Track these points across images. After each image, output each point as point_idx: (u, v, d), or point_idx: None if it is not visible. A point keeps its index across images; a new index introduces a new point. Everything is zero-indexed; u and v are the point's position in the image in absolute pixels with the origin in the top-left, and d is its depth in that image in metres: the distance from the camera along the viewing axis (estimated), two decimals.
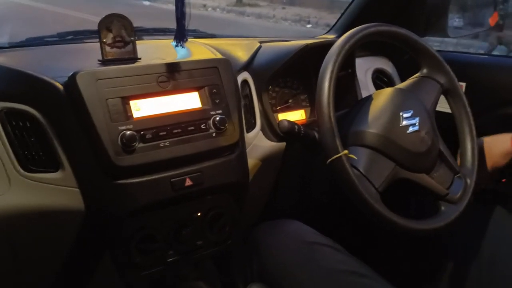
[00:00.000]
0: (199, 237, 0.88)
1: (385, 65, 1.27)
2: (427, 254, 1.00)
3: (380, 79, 1.28)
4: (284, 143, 1.03)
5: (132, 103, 0.78)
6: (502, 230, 0.93)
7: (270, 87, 1.09)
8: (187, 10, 0.82)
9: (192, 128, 0.82)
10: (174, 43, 0.82)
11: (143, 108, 0.79)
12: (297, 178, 1.09)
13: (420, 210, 0.91)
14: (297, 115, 1.15)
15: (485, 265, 0.90)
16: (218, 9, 11.22)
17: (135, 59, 0.88)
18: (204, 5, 11.55)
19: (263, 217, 1.10)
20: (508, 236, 0.92)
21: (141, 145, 0.76)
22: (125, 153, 0.75)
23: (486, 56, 1.32)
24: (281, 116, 1.11)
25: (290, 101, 1.14)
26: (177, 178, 0.80)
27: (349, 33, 0.87)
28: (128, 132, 0.75)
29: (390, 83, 1.26)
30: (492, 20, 1.35)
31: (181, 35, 0.79)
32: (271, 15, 10.07)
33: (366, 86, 1.21)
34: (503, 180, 1.06)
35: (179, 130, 0.80)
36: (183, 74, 0.83)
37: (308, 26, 8.73)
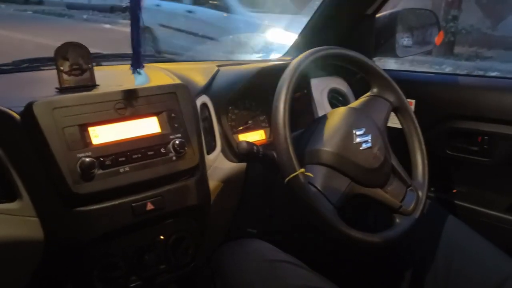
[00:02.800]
0: (162, 261, 0.88)
1: (340, 84, 1.32)
2: (386, 265, 1.03)
3: (336, 98, 1.33)
4: (245, 164, 1.05)
5: (91, 129, 0.79)
6: (454, 237, 0.97)
7: (229, 109, 1.12)
8: (144, 36, 0.84)
9: (152, 152, 0.83)
10: (126, 72, 0.84)
11: (102, 134, 0.79)
12: (260, 197, 1.11)
13: (377, 223, 0.95)
14: (257, 136, 1.17)
15: (440, 272, 0.94)
16: None
17: (92, 86, 0.89)
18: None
19: (227, 237, 1.11)
20: (460, 244, 0.96)
21: (100, 171, 0.77)
22: (84, 180, 0.75)
23: (432, 74, 1.39)
24: (242, 137, 1.14)
25: (250, 122, 1.17)
26: (138, 203, 0.81)
27: (301, 56, 0.90)
28: (87, 159, 0.75)
29: (345, 102, 1.31)
30: (438, 39, 1.42)
31: (137, 62, 0.81)
32: None
33: (322, 106, 1.25)
34: (454, 190, 1.11)
35: (139, 155, 0.81)
36: (141, 100, 0.85)
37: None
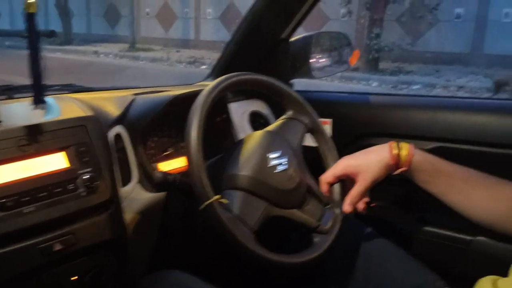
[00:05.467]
0: None
1: (260, 107, 1.34)
2: (309, 284, 1.05)
3: (257, 121, 1.34)
4: (163, 194, 1.04)
5: None
6: (372, 252, 1.00)
7: (148, 138, 1.11)
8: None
9: (59, 189, 0.80)
10: (32, 106, 0.81)
11: (3, 174, 0.76)
12: (180, 227, 1.09)
13: (297, 244, 0.96)
14: (178, 163, 1.16)
15: (359, 286, 0.96)
16: (110, 55, 11.05)
17: None
18: (96, 52, 11.34)
19: (150, 269, 1.08)
20: (377, 257, 0.99)
21: (1, 214, 0.73)
22: None
23: (346, 94, 1.45)
24: (162, 165, 1.12)
25: (170, 149, 1.16)
26: (45, 244, 0.77)
27: (214, 83, 0.91)
28: None
29: (267, 124, 1.33)
30: (352, 59, 1.48)
31: (38, 97, 0.78)
32: (165, 58, 10.13)
33: (243, 129, 1.26)
34: (373, 204, 1.15)
35: (45, 193, 0.78)
36: (47, 135, 0.82)
37: (203, 67, 8.91)
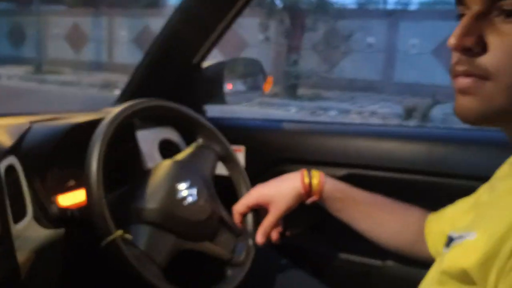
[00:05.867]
0: None
1: (171, 134, 1.29)
2: None
3: (168, 149, 1.29)
4: (62, 230, 0.95)
5: None
6: (285, 282, 0.99)
7: (47, 169, 1.01)
8: None
9: None
10: None
11: None
12: (84, 264, 1.01)
13: (209, 278, 0.92)
14: (80, 196, 1.07)
15: None
16: (15, 78, 10.36)
17: None
18: None
19: None
20: (290, 284, 0.98)
21: None
22: None
23: (260, 121, 1.45)
24: (62, 199, 1.03)
25: (71, 182, 1.07)
26: None
27: (117, 111, 0.86)
28: None
29: (178, 152, 1.28)
30: (266, 85, 1.48)
31: None
32: (76, 81, 9.73)
33: (152, 158, 1.20)
34: (287, 233, 1.14)
35: None
36: None
37: (117, 91, 8.67)
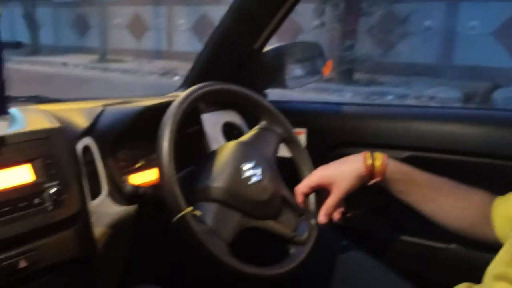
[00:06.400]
0: None
1: (234, 117, 1.33)
2: None
3: (231, 132, 1.33)
4: (135, 207, 1.01)
5: None
6: (349, 262, 1.00)
7: (118, 150, 1.07)
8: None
9: (24, 204, 0.76)
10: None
11: None
12: (154, 240, 1.07)
13: (272, 256, 0.94)
14: (149, 175, 1.13)
15: None
16: (80, 67, 10.86)
17: None
18: (64, 63, 11.14)
19: (123, 284, 1.04)
20: (353, 267, 0.99)
21: None
22: None
23: (321, 104, 1.45)
24: (134, 178, 1.09)
25: (142, 161, 1.13)
26: (8, 262, 0.73)
27: (185, 93, 0.89)
28: None
29: (240, 135, 1.31)
30: (325, 69, 1.48)
31: (1, 108, 0.75)
32: (137, 69, 10.03)
33: (216, 140, 1.24)
34: (348, 214, 1.15)
35: (8, 208, 0.75)
36: (10, 147, 0.78)
37: (176, 78, 8.86)
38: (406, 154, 1.16)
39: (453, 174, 0.91)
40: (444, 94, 7.14)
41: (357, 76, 8.34)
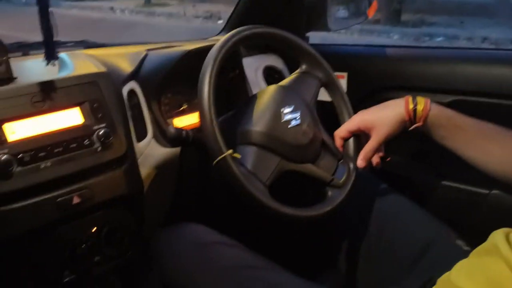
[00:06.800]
0: (96, 253, 0.87)
1: (275, 61, 1.32)
2: (321, 238, 1.06)
3: (272, 76, 1.33)
4: (178, 149, 1.05)
5: (6, 126, 0.76)
6: (386, 206, 1.01)
7: (162, 94, 1.10)
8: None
9: (75, 145, 0.81)
10: (45, 62, 0.81)
11: (19, 130, 0.77)
12: (195, 181, 1.11)
13: (310, 198, 0.96)
14: (192, 119, 1.16)
15: (373, 241, 0.97)
16: (126, 11, 10.93)
17: (9, 79, 0.85)
18: (112, 8, 11.23)
19: (166, 223, 1.11)
20: (391, 211, 1.00)
21: (19, 168, 0.74)
22: (1, 178, 0.73)
23: (363, 47, 1.42)
24: (177, 121, 1.13)
25: (184, 105, 1.16)
26: (63, 198, 0.79)
27: (225, 37, 0.89)
28: (3, 157, 0.73)
29: (281, 79, 1.31)
30: (370, 10, 1.43)
31: (50, 53, 0.78)
32: (182, 13, 9.99)
33: (257, 84, 1.25)
34: (388, 159, 1.15)
35: (61, 148, 0.79)
36: (60, 91, 0.82)
37: (220, 22, 8.77)
38: (450, 98, 1.13)
39: (499, 119, 0.89)
40: (498, 35, 6.74)
41: (405, 17, 7.96)
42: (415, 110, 0.88)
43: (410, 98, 0.89)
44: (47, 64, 0.80)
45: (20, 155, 0.75)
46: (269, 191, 0.85)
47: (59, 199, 0.79)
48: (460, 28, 7.33)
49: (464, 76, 1.13)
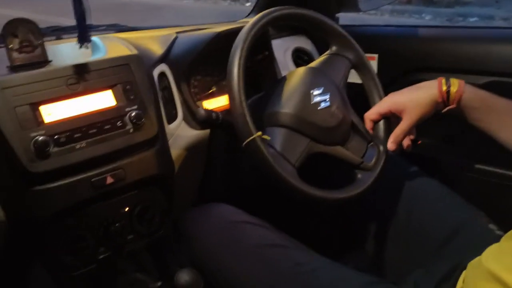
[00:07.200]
0: (129, 231, 0.90)
1: (304, 43, 1.31)
2: (349, 220, 1.06)
3: (301, 58, 1.32)
4: (208, 130, 1.06)
5: (43, 108, 0.78)
6: (415, 188, 1.00)
7: (192, 76, 1.11)
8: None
9: (108, 126, 0.83)
10: (78, 45, 0.82)
11: (55, 112, 0.79)
12: (224, 162, 1.12)
13: (339, 180, 0.96)
14: (221, 101, 1.17)
15: (402, 223, 0.97)
16: None
17: (45, 62, 0.87)
18: None
19: (195, 203, 1.13)
20: (420, 193, 0.99)
21: (55, 149, 0.77)
22: (39, 159, 0.75)
23: (394, 28, 1.39)
24: (206, 104, 1.14)
25: (213, 88, 1.16)
26: (97, 178, 0.82)
27: (254, 19, 0.89)
28: (41, 138, 0.75)
29: (311, 61, 1.30)
30: None
31: (83, 37, 0.80)
32: None
33: (286, 66, 1.24)
34: (419, 142, 1.13)
35: (95, 130, 0.81)
36: (93, 74, 0.84)
37: (247, 4, 8.72)
38: (484, 80, 1.10)
39: None
40: None
41: None
42: (448, 91, 0.86)
43: (443, 80, 0.87)
44: (81, 47, 0.82)
45: (56, 136, 0.77)
46: (298, 172, 0.85)
47: (93, 179, 0.81)
48: (496, 7, 7.08)
49: (499, 56, 1.10)
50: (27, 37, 0.86)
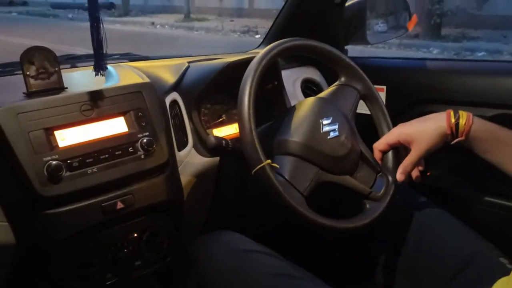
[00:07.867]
0: (137, 257, 0.90)
1: (313, 74, 1.33)
2: (358, 250, 1.06)
3: (309, 88, 1.34)
4: (217, 158, 1.07)
5: (57, 133, 0.80)
6: (425, 219, 0.99)
7: (202, 105, 1.13)
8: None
9: (120, 152, 0.84)
10: (94, 73, 0.85)
11: (68, 137, 0.81)
12: (233, 190, 1.13)
13: (348, 210, 0.96)
14: (231, 129, 1.19)
15: (411, 253, 0.96)
16: (166, 26, 11.25)
17: (60, 89, 0.90)
18: (153, 23, 11.58)
19: (204, 230, 1.13)
20: (430, 224, 0.98)
21: (68, 173, 0.78)
22: (51, 183, 0.76)
23: (401, 60, 1.41)
24: (216, 132, 1.15)
25: (223, 116, 1.18)
26: (107, 203, 0.82)
27: (265, 50, 0.91)
28: (54, 162, 0.76)
29: (319, 91, 1.32)
30: (410, 24, 1.43)
31: (99, 65, 0.82)
32: (220, 28, 10.18)
33: (295, 96, 1.26)
34: (428, 173, 1.13)
35: (106, 155, 0.83)
36: (107, 100, 0.86)
37: (257, 36, 8.88)
38: (492, 112, 1.11)
39: None
40: None
41: (446, 31, 7.83)
42: (457, 124, 0.87)
43: (452, 112, 0.88)
44: (96, 75, 0.84)
45: (69, 161, 0.79)
46: (307, 201, 0.85)
47: (104, 204, 0.82)
48: (503, 42, 7.14)
49: (508, 89, 1.11)
50: (43, 64, 0.89)
